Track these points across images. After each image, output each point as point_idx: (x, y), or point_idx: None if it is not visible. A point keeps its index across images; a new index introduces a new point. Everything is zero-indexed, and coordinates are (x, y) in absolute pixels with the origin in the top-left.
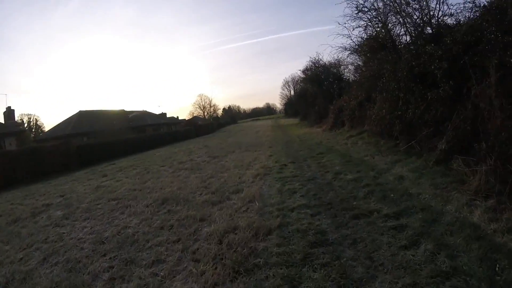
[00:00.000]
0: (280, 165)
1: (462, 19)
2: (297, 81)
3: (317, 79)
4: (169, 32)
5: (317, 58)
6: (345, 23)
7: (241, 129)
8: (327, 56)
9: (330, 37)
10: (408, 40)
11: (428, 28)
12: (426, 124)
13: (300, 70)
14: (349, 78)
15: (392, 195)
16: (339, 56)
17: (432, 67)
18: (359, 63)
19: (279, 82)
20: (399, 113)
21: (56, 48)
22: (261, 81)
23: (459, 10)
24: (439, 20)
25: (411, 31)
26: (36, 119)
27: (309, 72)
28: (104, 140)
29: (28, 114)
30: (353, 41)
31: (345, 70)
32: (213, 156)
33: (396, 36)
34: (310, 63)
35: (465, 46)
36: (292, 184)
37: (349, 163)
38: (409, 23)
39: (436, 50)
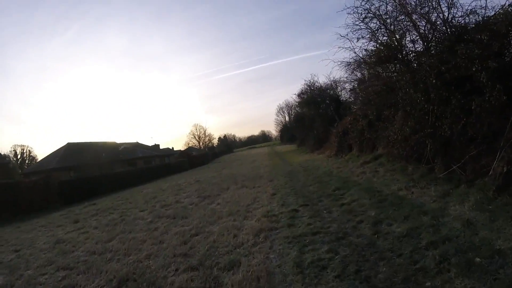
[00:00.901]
0: (289, 211)
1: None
2: (292, 106)
3: (313, 101)
4: (162, 61)
5: (312, 81)
6: (347, 34)
7: (237, 159)
8: (322, 78)
9: (330, 52)
10: (421, 46)
11: (446, 28)
12: (472, 142)
13: (295, 94)
14: (347, 99)
15: (477, 259)
16: (339, 75)
17: (474, 69)
18: (360, 78)
19: (273, 109)
20: (431, 130)
21: (51, 78)
22: (255, 109)
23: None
24: (455, 19)
25: (426, 35)
26: (29, 150)
27: (304, 96)
28: (89, 175)
29: (22, 145)
30: (357, 54)
31: (342, 91)
32: (204, 195)
33: (410, 42)
34: (305, 86)
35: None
36: (315, 250)
37: (383, 203)
38: (422, 27)
39: (470, 49)
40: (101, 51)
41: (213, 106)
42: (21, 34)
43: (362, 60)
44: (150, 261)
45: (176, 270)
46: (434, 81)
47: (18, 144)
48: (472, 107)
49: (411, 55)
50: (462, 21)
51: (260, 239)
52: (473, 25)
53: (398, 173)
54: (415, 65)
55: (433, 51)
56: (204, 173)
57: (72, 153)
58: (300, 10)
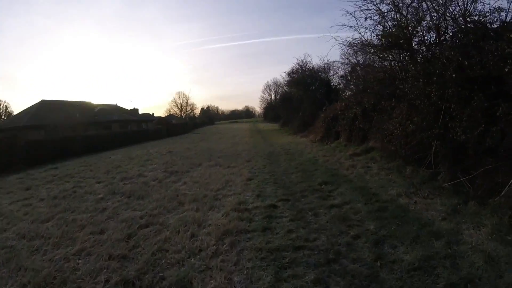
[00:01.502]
0: (265, 207)
1: None
2: (279, 85)
3: (304, 82)
4: (154, 27)
5: (304, 61)
6: (354, 12)
7: (217, 132)
8: (316, 59)
9: (332, 29)
10: (434, 36)
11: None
12: (489, 153)
13: (285, 72)
14: (337, 85)
15: None
16: (334, 59)
17: (506, 70)
18: (357, 63)
19: (260, 86)
20: (440, 131)
21: (37, 34)
22: (242, 84)
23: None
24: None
25: (441, 25)
26: (6, 106)
27: (295, 75)
28: (58, 136)
29: None
30: (361, 35)
31: (334, 76)
32: (171, 170)
33: (423, 30)
34: (297, 66)
35: None
36: (296, 278)
37: (383, 213)
38: (436, 17)
39: (502, 47)
40: (93, 11)
41: (201, 77)
42: None
43: (367, 42)
44: (80, 261)
45: (106, 281)
46: (453, 75)
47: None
48: (497, 114)
49: (423, 45)
50: (485, 19)
51: (225, 246)
52: (500, 23)
53: (394, 174)
54: (429, 55)
55: (449, 43)
56: (180, 143)
57: (45, 111)
58: None
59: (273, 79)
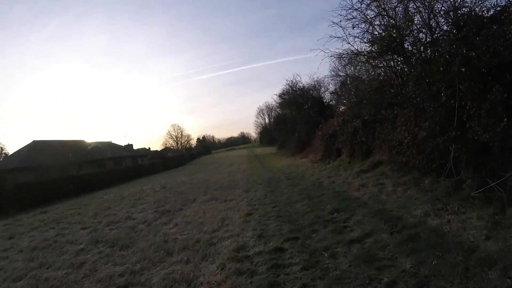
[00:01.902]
0: (270, 251)
1: None
2: (272, 108)
3: (295, 102)
4: (141, 61)
5: (294, 81)
6: (340, 22)
7: (214, 161)
8: (306, 78)
9: (320, 43)
10: (428, 35)
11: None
12: None
13: (276, 94)
14: (330, 101)
15: None
16: (323, 75)
17: None
18: (347, 75)
19: (253, 111)
20: (457, 133)
21: (29, 74)
22: (235, 111)
23: None
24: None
25: (433, 23)
26: (1, 148)
27: (286, 96)
28: (50, 177)
29: None
30: (351, 44)
31: (325, 93)
32: (163, 210)
33: (415, 30)
34: (287, 87)
35: None
36: None
37: (415, 243)
38: (426, 16)
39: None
40: (80, 49)
41: (193, 108)
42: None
43: (357, 51)
44: None
45: None
46: (462, 69)
47: None
48: None
49: (419, 45)
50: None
51: None
52: (498, 8)
53: (412, 189)
54: (427, 54)
55: (445, 38)
56: (176, 177)
57: (37, 151)
58: (280, 14)
59: (265, 103)
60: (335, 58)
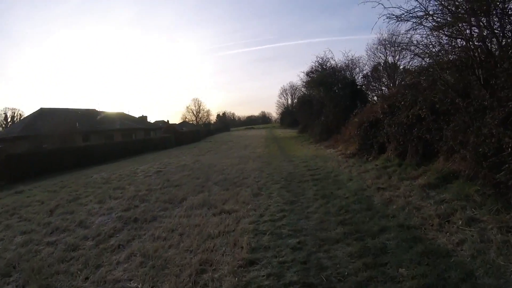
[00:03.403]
0: None
1: None
2: (296, 89)
3: (326, 82)
4: (169, 33)
5: (325, 58)
6: None
7: (230, 140)
8: (339, 55)
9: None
10: None
11: None
12: None
13: (302, 72)
14: (362, 85)
15: None
16: (358, 54)
17: None
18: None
19: (276, 91)
20: None
21: (56, 43)
22: (259, 89)
23: None
24: None
25: None
26: (20, 114)
27: (314, 75)
28: (43, 149)
29: (13, 109)
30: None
31: (359, 75)
32: (131, 216)
33: None
34: (317, 64)
35: None
36: None
37: None
38: None
39: None
40: (109, 19)
41: (217, 83)
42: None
43: (426, 12)
44: None
45: None
46: None
47: (9, 107)
48: None
49: None
50: None
51: None
52: None
53: None
54: None
55: None
56: (182, 156)
57: (43, 120)
58: None
59: (289, 82)
60: (391, 20)
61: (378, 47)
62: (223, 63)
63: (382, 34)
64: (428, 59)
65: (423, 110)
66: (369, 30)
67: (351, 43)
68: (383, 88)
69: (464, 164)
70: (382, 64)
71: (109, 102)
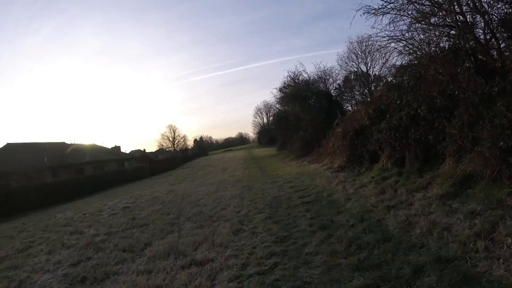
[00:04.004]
0: None
1: None
2: (271, 107)
3: (300, 96)
4: (138, 62)
5: (297, 72)
6: None
7: (208, 164)
8: (311, 68)
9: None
10: None
11: None
12: None
13: (275, 88)
14: (337, 96)
15: None
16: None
17: None
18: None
19: (250, 111)
20: None
21: (25, 76)
22: (232, 111)
23: None
24: None
25: None
26: None
27: (287, 90)
28: (5, 187)
29: None
30: None
31: (333, 85)
32: (79, 274)
33: None
34: (289, 79)
35: None
36: None
37: None
38: None
39: None
40: (77, 50)
41: (190, 108)
42: None
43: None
44: None
45: None
46: None
47: None
48: None
49: None
50: None
51: None
52: None
53: None
54: None
55: None
56: (155, 186)
57: (9, 155)
58: (274, 14)
59: (263, 101)
60: (369, 14)
61: (350, 56)
62: (193, 88)
63: (352, 43)
64: (413, 54)
65: (421, 108)
66: (334, 45)
67: (320, 58)
68: (357, 97)
69: (483, 163)
70: (353, 74)
71: (81, 135)
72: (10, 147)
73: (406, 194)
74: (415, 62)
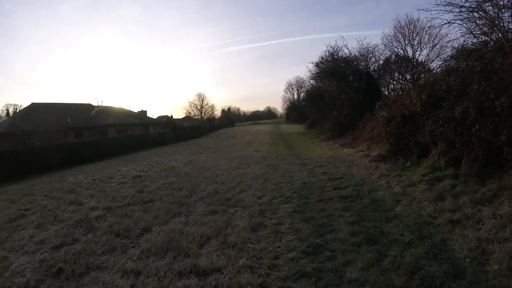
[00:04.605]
0: None
1: None
2: (303, 83)
3: (339, 72)
4: (174, 32)
5: (336, 48)
6: None
7: (233, 135)
8: (353, 43)
9: None
10: None
11: None
12: None
13: (311, 62)
14: (377, 77)
15: None
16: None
17: None
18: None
19: (281, 87)
20: None
21: (61, 43)
22: (263, 85)
23: None
24: None
25: None
26: (15, 108)
27: (324, 66)
28: (24, 147)
29: (15, 105)
30: None
31: (375, 65)
32: (58, 265)
33: None
34: (327, 54)
35: None
36: None
37: None
38: None
39: None
40: (113, 19)
41: (222, 80)
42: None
43: None
44: None
45: None
46: None
47: (11, 103)
48: None
49: None
50: None
51: None
52: None
53: None
54: None
55: None
56: (176, 154)
57: (33, 115)
58: None
59: (295, 77)
60: None
61: (396, 35)
62: (226, 60)
63: (399, 22)
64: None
65: (500, 101)
66: (376, 26)
67: (361, 38)
68: (395, 83)
69: None
70: (394, 57)
71: (110, 98)
72: (35, 107)
73: (471, 206)
74: (491, 43)
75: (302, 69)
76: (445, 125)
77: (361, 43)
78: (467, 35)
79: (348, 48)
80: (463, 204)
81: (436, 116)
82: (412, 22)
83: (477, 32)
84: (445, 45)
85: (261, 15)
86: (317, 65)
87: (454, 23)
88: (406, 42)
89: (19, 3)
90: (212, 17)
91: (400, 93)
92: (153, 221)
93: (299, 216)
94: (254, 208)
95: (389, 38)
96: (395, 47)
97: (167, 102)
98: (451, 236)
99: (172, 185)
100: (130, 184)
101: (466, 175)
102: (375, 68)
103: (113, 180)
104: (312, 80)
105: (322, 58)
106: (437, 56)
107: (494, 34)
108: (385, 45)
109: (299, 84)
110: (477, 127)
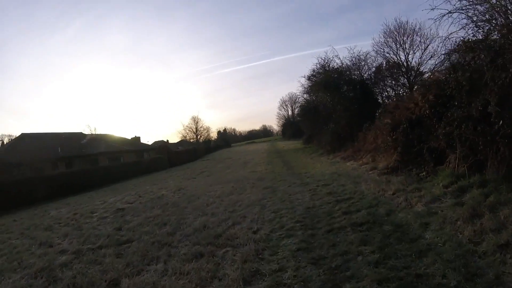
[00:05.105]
0: None
1: None
2: (297, 98)
3: (332, 83)
4: (164, 58)
5: (327, 59)
6: None
7: (229, 157)
8: (344, 53)
9: None
10: None
11: None
12: None
13: (303, 76)
14: (371, 85)
15: None
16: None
17: None
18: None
19: (275, 104)
20: None
21: (54, 74)
22: (257, 104)
23: None
24: None
25: None
26: (9, 139)
27: (316, 78)
28: (7, 179)
29: (9, 135)
30: None
31: (367, 73)
32: None
33: None
34: (318, 66)
35: None
36: None
37: None
38: None
39: None
40: (103, 49)
41: (215, 102)
42: (22, 31)
43: None
44: None
45: None
46: None
47: (6, 134)
48: None
49: None
50: None
51: None
52: None
53: None
54: None
55: None
56: (170, 179)
57: (23, 145)
58: (300, 8)
59: (288, 93)
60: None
61: (386, 41)
62: (218, 82)
63: (388, 27)
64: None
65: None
66: (362, 37)
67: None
68: (388, 90)
69: None
70: (385, 64)
71: (102, 127)
72: (24, 138)
73: None
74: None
75: (295, 84)
76: (462, 126)
77: (352, 52)
78: (468, 25)
79: (339, 58)
80: (506, 220)
81: (449, 116)
82: (401, 25)
83: (480, 21)
84: (442, 42)
85: (247, 36)
86: (309, 78)
87: (454, 12)
88: (398, 46)
89: (10, 35)
90: (199, 41)
91: (400, 97)
92: (124, 270)
93: (305, 256)
94: (248, 247)
95: (379, 44)
96: (387, 53)
97: (162, 128)
98: (505, 269)
99: (156, 220)
100: (110, 220)
101: (495, 182)
102: (369, 76)
103: (95, 214)
104: (305, 94)
105: (314, 70)
106: (431, 57)
107: (499, 19)
108: (376, 51)
109: (292, 100)
110: (500, 123)
